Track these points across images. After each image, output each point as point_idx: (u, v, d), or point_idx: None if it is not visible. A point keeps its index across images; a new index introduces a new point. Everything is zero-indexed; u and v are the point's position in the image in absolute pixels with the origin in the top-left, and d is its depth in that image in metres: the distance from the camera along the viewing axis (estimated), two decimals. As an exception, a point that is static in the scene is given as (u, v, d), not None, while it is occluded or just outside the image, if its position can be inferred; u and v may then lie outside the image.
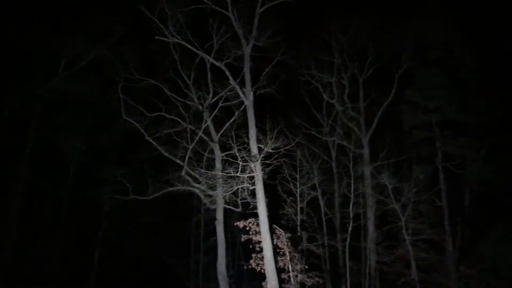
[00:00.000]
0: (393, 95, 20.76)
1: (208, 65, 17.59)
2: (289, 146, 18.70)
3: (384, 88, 21.08)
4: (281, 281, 16.64)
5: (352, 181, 21.27)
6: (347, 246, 19.78)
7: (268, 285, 16.07)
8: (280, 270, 16.79)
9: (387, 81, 21.14)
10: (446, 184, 18.85)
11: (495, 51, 20.00)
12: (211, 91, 17.99)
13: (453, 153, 19.14)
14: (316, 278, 17.07)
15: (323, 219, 21.29)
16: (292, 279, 16.77)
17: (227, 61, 17.06)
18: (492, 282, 15.50)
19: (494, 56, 19.75)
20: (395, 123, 21.34)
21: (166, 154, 17.44)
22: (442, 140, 19.20)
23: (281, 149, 18.14)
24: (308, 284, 16.70)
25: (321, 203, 21.93)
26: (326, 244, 20.49)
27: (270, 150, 17.78)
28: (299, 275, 16.88)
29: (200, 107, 18.14)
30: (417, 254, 17.68)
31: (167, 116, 17.93)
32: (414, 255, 17.61)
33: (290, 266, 16.90)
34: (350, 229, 20.24)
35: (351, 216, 20.46)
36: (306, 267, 17.13)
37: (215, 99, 18.18)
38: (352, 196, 21.06)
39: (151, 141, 17.46)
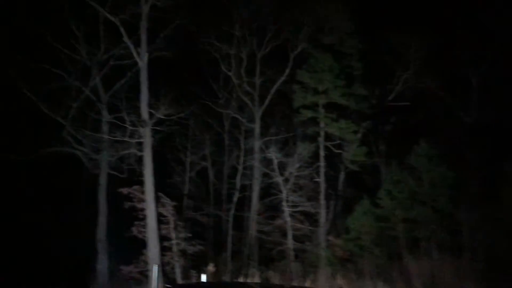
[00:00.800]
0: (287, 74, 21.58)
1: (102, 19, 16.52)
2: (182, 114, 18.59)
3: (280, 66, 21.79)
4: (162, 249, 16.76)
5: (242, 154, 21.95)
6: (231, 216, 20.54)
7: (149, 253, 16.09)
8: (162, 238, 16.88)
9: (283, 60, 21.85)
10: (325, 162, 20.33)
11: (379, 43, 21.77)
12: (102, 47, 16.96)
13: (334, 133, 20.63)
14: (199, 246, 17.48)
15: (211, 189, 21.75)
16: (174, 247, 16.96)
17: (122, 16, 16.18)
18: (354, 250, 17.34)
19: (378, 48, 21.55)
20: (286, 102, 22.27)
21: (46, 111, 16.18)
22: (326, 121, 20.56)
23: (173, 117, 17.96)
24: (190, 252, 17.05)
25: (210, 173, 22.32)
26: (211, 213, 21.02)
27: (162, 117, 17.50)
28: (182, 243, 17.13)
29: (89, 63, 17.03)
30: (294, 225, 19.04)
31: (52, 69, 16.57)
32: (291, 225, 18.92)
33: (173, 235, 17.05)
34: (235, 199, 21.00)
35: (238, 187, 21.20)
36: (190, 235, 17.42)
37: (106, 56, 17.20)
38: (240, 168, 21.78)
39: (30, 95, 16.04)
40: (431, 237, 16.42)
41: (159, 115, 17.05)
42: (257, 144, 21.25)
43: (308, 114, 20.99)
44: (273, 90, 21.70)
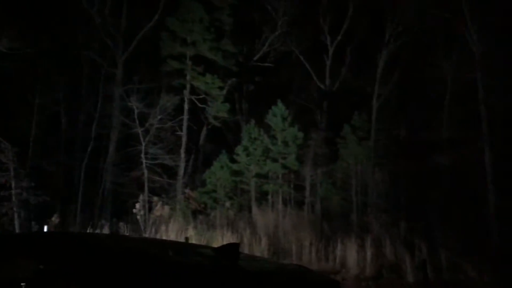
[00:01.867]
0: (157, 20, 20.56)
1: None
2: (29, 50, 16.62)
3: (150, 11, 20.61)
4: (0, 198, 15.27)
5: (100, 101, 20.62)
6: (84, 166, 19.42)
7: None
8: (0, 187, 15.31)
9: (153, 5, 20.70)
10: (189, 116, 20.26)
11: (251, 1, 21.90)
12: None
13: (199, 87, 20.55)
14: (44, 197, 16.27)
15: (63, 136, 20.15)
16: (14, 197, 15.52)
17: None
18: (208, 202, 17.95)
19: (249, 6, 21.70)
20: (153, 50, 21.33)
21: None
22: (192, 74, 20.32)
23: (18, 51, 15.99)
24: (32, 202, 15.79)
25: (63, 119, 20.59)
26: (62, 162, 19.57)
27: (4, 50, 15.45)
28: (24, 193, 15.76)
29: None
30: (151, 177, 18.84)
31: None
32: (148, 178, 18.68)
33: (13, 183, 15.54)
34: (90, 148, 19.83)
35: (93, 135, 20.01)
36: (33, 184, 16.05)
37: None
38: (97, 115, 20.49)
39: None
40: (278, 191, 17.77)
41: (1, 47, 15.01)
42: (117, 91, 20.14)
43: (175, 65, 20.49)
44: (139, 35, 20.54)
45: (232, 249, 2.88)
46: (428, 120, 18.34)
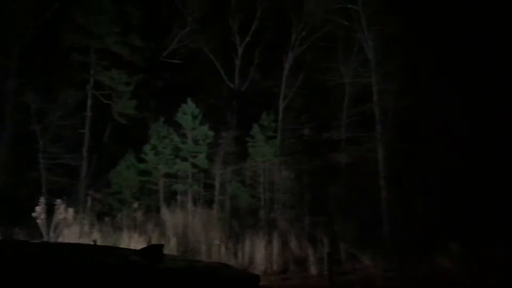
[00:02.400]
0: (57, 8, 19.20)
1: None
2: None
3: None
4: None
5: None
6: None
7: None
8: None
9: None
10: (92, 112, 19.28)
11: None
12: None
13: (104, 83, 19.65)
14: None
15: None
16: None
17: None
18: (114, 204, 17.26)
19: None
20: (54, 40, 19.89)
21: None
22: (97, 68, 19.37)
23: None
24: None
25: None
26: None
27: None
28: None
29: None
30: (51, 177, 17.59)
31: None
32: (47, 178, 17.42)
33: None
34: (-22, 147, 17.95)
35: (-18, 133, 18.14)
36: None
37: None
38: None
39: None
40: (187, 191, 17.69)
41: None
42: (11, 84, 18.47)
43: (78, 58, 19.35)
44: (36, 24, 19.01)
45: (156, 250, 2.90)
46: (329, 120, 19.58)
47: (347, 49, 19.40)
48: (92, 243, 11.69)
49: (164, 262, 2.86)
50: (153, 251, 2.92)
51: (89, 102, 19.30)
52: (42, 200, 15.42)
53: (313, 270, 12.16)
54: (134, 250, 3.30)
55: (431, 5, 16.81)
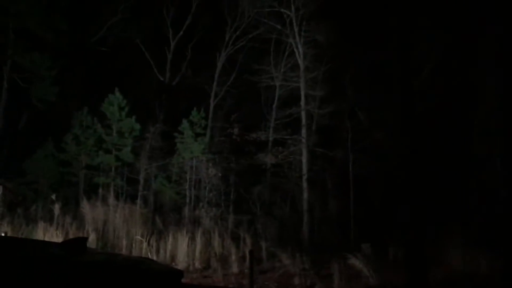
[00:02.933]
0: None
1: None
2: None
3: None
4: None
5: None
6: None
7: None
8: None
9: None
10: (8, 96, 17.96)
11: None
12: None
13: (24, 65, 18.37)
14: None
15: None
16: None
17: None
18: (28, 194, 16.22)
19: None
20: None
21: None
22: (16, 49, 18.05)
23: None
24: None
25: None
26: None
27: None
28: None
29: None
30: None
31: None
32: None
33: None
34: None
35: None
36: None
37: None
38: None
39: None
40: (110, 184, 17.10)
41: None
42: None
43: (-2, 38, 17.94)
44: None
45: (79, 243, 2.85)
46: (258, 121, 19.97)
47: (278, 53, 19.92)
48: (2, 235, 10.92)
49: (87, 255, 2.83)
50: (76, 244, 2.88)
51: (5, 85, 17.95)
52: None
53: (234, 268, 12.34)
54: (56, 243, 3.20)
55: (362, 14, 17.68)
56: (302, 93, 18.39)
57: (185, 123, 18.37)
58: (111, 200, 16.54)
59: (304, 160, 17.61)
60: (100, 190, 16.95)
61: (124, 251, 13.01)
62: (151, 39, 21.09)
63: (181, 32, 21.36)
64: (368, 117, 17.34)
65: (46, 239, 12.18)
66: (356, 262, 10.74)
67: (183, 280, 3.51)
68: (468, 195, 14.50)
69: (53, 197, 15.73)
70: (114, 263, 3.01)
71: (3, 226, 13.28)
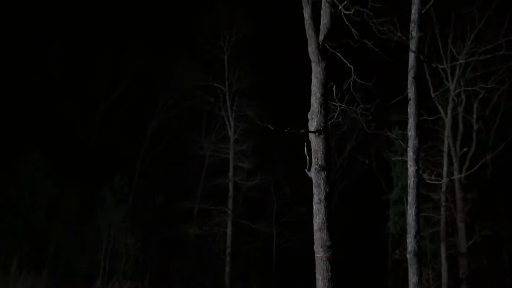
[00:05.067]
0: None
1: None
2: None
3: None
4: None
5: None
6: None
7: None
8: None
9: None
10: None
11: None
12: None
13: None
14: None
15: None
16: None
17: None
18: None
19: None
20: None
21: None
22: None
23: None
24: None
25: None
26: None
27: None
28: None
29: None
30: None
31: None
32: None
33: None
34: None
35: None
36: None
37: None
38: None
39: None
40: (15, 251, 15.50)
41: None
42: None
43: None
44: None
45: None
46: (185, 190, 19.59)
47: (210, 124, 20.23)
48: None
49: None
50: None
51: None
52: None
53: None
54: None
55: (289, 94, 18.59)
56: (231, 164, 18.57)
57: (106, 189, 17.48)
58: (13, 269, 14.97)
59: (228, 232, 17.34)
60: (2, 257, 15.25)
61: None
62: (80, 101, 20.49)
63: (115, 94, 21.01)
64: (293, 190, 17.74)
65: None
66: None
67: None
68: None
69: None
70: None
71: None
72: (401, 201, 15.57)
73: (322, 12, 6.18)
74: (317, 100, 6.00)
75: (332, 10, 6.12)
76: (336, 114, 6.27)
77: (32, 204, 16.51)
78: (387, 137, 15.44)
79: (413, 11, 6.84)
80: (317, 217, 5.81)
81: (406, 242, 6.54)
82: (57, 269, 15.59)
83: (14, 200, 16.46)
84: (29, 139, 18.36)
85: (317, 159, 5.91)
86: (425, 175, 6.91)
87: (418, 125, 6.67)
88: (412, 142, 6.62)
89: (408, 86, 6.75)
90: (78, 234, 16.70)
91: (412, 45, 6.79)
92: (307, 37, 6.04)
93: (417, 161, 6.58)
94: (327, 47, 6.03)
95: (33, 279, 14.61)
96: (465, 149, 14.30)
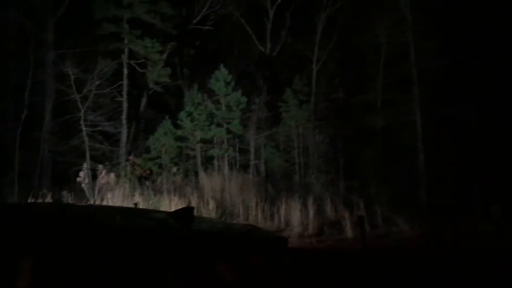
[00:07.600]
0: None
1: None
2: None
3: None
4: None
5: (31, 67, 19.45)
6: (18, 135, 18.48)
7: None
8: None
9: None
10: (128, 81, 19.71)
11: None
12: None
13: (138, 52, 19.94)
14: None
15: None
16: None
17: None
18: (154, 168, 17.87)
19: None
20: (86, 12, 20.22)
21: None
22: (130, 38, 19.62)
23: None
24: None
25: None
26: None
27: None
28: None
29: None
30: (92, 144, 18.36)
31: None
32: (89, 145, 18.19)
33: None
34: (23, 117, 18.84)
35: (26, 104, 18.98)
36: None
37: None
38: (29, 82, 19.36)
39: None
40: (223, 156, 18.01)
41: None
42: (50, 56, 19.06)
43: (111, 28, 19.63)
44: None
45: (187, 212, 3.06)
46: (364, 82, 19.11)
47: (380, 7, 18.63)
48: (133, 205, 12.26)
49: (194, 224, 3.03)
50: (184, 214, 3.09)
51: (125, 71, 19.69)
52: (85, 165, 16.24)
53: (348, 233, 12.25)
54: (168, 213, 3.49)
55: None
56: (411, 48, 17.09)
57: (288, 92, 18.39)
58: (226, 170, 17.49)
59: (418, 119, 16.53)
60: (215, 162, 17.98)
61: (241, 218, 13.69)
62: (250, 11, 21.25)
63: (279, 0, 21.13)
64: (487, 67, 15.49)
65: (172, 207, 13.34)
66: (483, 225, 9.93)
67: (289, 246, 3.59)
68: None
69: (175, 170, 17.14)
70: (218, 230, 3.18)
71: (135, 197, 14.84)
72: None
73: None
74: None
75: None
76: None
77: (228, 116, 18.55)
78: None
79: None
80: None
81: None
82: (260, 168, 17.60)
83: (214, 113, 18.69)
84: (212, 57, 20.06)
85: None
86: None
87: None
88: None
89: None
90: (271, 136, 18.25)
91: None
92: None
93: None
94: None
95: (243, 178, 16.84)
96: None
